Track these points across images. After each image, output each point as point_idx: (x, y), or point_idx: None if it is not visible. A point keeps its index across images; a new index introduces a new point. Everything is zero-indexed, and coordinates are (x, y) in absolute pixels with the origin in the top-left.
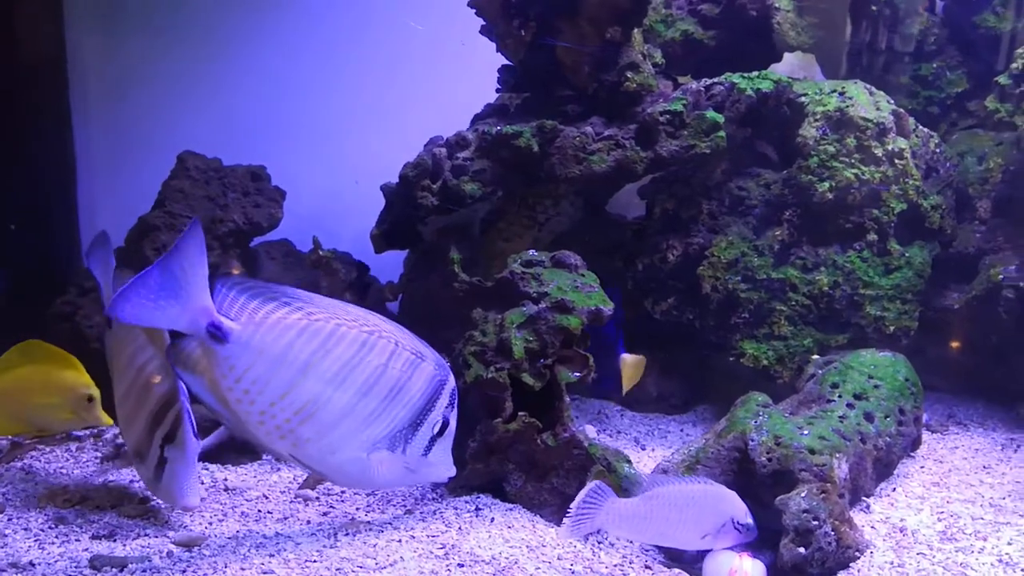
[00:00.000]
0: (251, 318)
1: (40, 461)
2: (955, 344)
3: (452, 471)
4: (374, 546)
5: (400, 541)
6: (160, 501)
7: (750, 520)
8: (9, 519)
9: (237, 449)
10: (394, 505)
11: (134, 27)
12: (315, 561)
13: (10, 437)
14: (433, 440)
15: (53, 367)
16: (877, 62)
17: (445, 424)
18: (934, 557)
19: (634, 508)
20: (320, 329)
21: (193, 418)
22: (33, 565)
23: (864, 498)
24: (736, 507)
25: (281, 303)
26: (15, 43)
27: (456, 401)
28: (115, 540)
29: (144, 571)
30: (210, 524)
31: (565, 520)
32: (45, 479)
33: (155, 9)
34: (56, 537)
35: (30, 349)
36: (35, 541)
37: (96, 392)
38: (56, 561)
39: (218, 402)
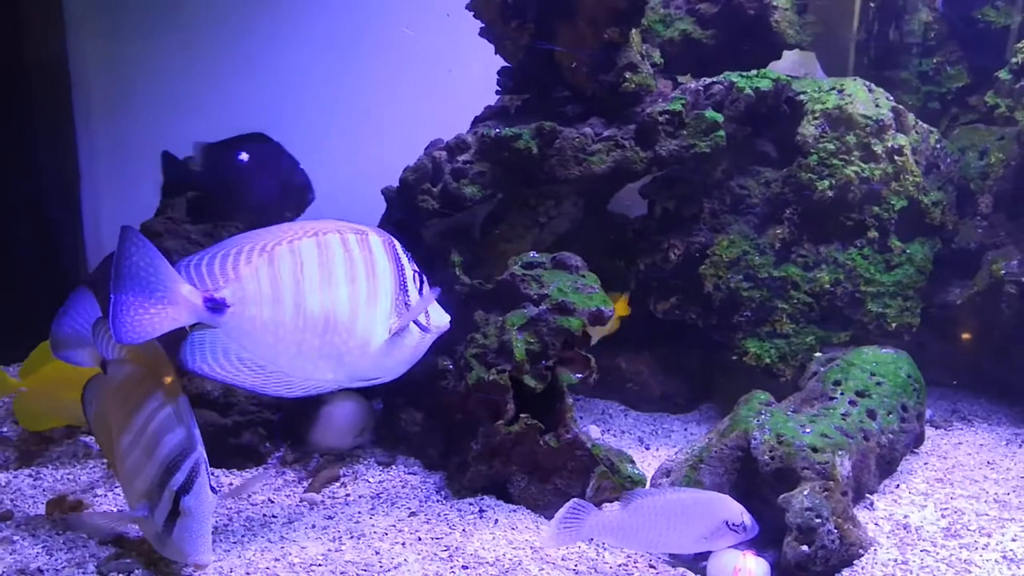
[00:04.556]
0: (227, 279)
1: (48, 467)
2: (958, 340)
3: (447, 316)
4: (378, 549)
5: (404, 544)
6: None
7: (746, 519)
8: (17, 525)
9: (242, 454)
10: (398, 508)
11: (136, 32)
12: (320, 565)
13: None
14: (421, 293)
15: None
16: (877, 58)
17: (422, 277)
18: (938, 554)
19: (618, 519)
20: (282, 253)
21: (209, 470)
22: (41, 572)
23: (867, 495)
24: (729, 509)
25: (235, 255)
26: (17, 49)
27: (410, 254)
28: (122, 546)
29: None
30: (215, 529)
31: (545, 530)
32: (52, 485)
33: (157, 14)
34: (63, 543)
35: None
36: (43, 547)
37: None
38: (63, 567)
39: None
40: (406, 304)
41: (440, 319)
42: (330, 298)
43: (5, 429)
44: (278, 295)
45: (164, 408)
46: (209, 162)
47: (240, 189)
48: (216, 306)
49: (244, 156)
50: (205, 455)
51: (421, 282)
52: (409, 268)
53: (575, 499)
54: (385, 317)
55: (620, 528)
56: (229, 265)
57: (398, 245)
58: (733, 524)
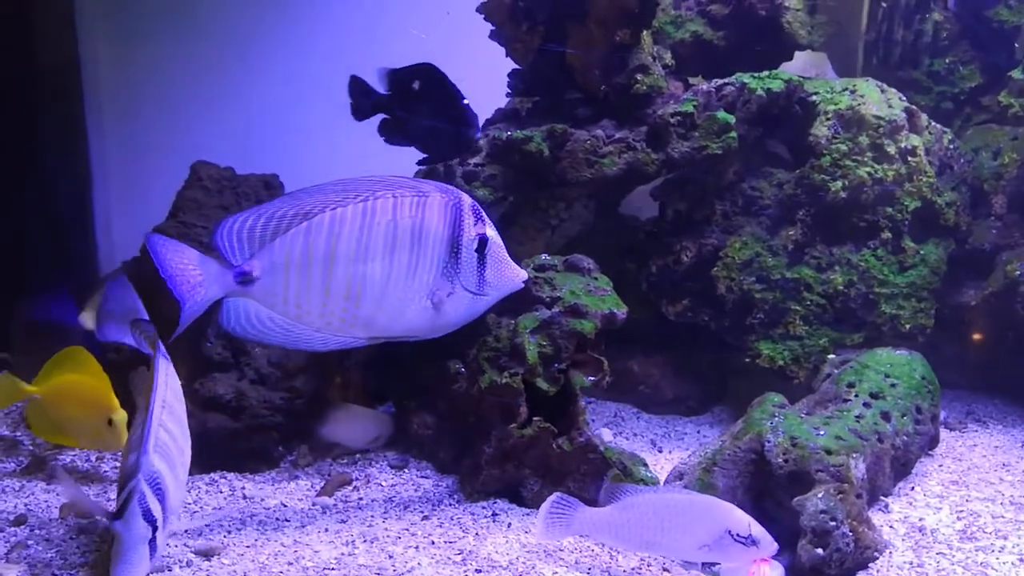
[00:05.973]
0: (263, 245)
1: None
2: (972, 341)
3: (523, 274)
4: (391, 553)
5: (417, 547)
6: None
7: (755, 530)
8: (31, 529)
9: (255, 457)
10: (411, 511)
11: (147, 35)
12: (333, 569)
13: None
14: (482, 258)
15: (85, 381)
16: (889, 58)
17: (483, 240)
18: (954, 556)
19: (607, 517)
20: (320, 222)
21: (151, 504)
22: None
23: (882, 498)
24: (733, 519)
25: (278, 219)
26: (29, 52)
27: (482, 214)
28: None
29: None
30: (228, 533)
31: (534, 526)
32: (65, 490)
33: (168, 19)
34: (77, 548)
35: (72, 357)
36: (56, 552)
37: (119, 416)
38: (77, 571)
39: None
40: (455, 271)
41: (505, 279)
42: (361, 271)
43: (19, 434)
44: (307, 267)
45: (143, 425)
46: (393, 87)
47: (418, 115)
48: (245, 279)
49: (417, 84)
50: (146, 485)
51: (483, 247)
52: (469, 232)
53: (557, 493)
54: (423, 286)
55: (610, 526)
56: (270, 230)
57: (467, 207)
58: (739, 535)
